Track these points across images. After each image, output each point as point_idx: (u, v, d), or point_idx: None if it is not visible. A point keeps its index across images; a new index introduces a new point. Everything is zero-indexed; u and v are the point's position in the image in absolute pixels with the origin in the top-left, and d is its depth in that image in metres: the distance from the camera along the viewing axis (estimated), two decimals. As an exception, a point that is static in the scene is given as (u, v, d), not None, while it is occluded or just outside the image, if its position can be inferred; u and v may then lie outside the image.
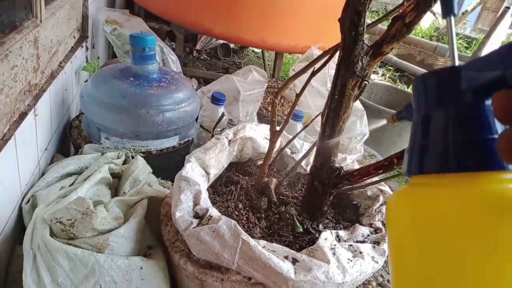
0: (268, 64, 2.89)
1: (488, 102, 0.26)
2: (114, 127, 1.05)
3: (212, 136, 0.85)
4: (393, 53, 3.88)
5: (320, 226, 0.80)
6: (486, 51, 2.64)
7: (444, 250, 0.24)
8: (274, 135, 0.82)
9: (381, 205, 0.86)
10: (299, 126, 1.27)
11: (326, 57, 0.74)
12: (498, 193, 0.24)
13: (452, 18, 0.36)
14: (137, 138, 1.07)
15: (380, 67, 3.89)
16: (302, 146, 1.02)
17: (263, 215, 0.80)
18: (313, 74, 0.77)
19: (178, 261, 0.71)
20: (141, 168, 0.90)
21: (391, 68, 3.70)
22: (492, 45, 2.83)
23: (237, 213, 0.78)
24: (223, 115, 0.94)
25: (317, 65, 0.76)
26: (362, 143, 1.41)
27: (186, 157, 0.78)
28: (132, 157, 0.96)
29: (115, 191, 0.89)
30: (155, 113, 1.04)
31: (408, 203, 0.28)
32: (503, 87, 0.23)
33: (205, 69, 2.83)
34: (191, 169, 0.75)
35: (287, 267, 0.61)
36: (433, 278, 0.25)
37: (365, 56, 0.64)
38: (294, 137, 0.85)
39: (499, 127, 0.26)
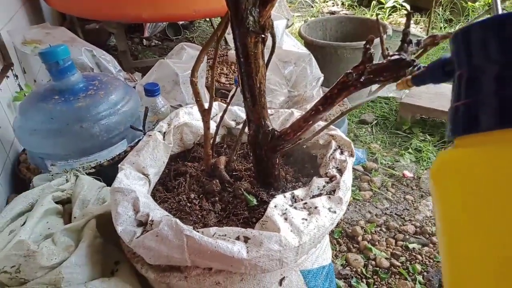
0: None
1: None
2: (54, 152, 1.00)
3: (144, 133, 0.81)
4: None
5: (279, 192, 0.78)
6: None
7: None
8: (204, 115, 0.78)
9: (334, 150, 0.83)
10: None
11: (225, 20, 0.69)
12: None
13: None
14: (83, 155, 1.03)
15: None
16: (249, 113, 0.98)
17: (217, 198, 0.78)
18: (218, 40, 0.72)
19: (141, 270, 0.69)
20: (87, 187, 0.86)
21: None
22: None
23: (189, 205, 0.76)
24: (147, 109, 0.89)
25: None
26: (318, 88, 1.36)
27: (119, 165, 0.74)
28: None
29: (69, 217, 0.86)
30: (90, 125, 0.99)
31: (468, 165, 0.25)
32: None
33: (157, 56, 2.72)
34: (125, 177, 0.71)
35: (237, 248, 0.59)
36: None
37: (253, 8, 0.59)
38: (226, 108, 0.81)
39: None
